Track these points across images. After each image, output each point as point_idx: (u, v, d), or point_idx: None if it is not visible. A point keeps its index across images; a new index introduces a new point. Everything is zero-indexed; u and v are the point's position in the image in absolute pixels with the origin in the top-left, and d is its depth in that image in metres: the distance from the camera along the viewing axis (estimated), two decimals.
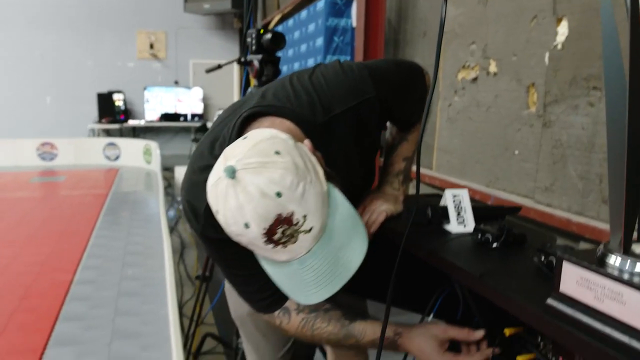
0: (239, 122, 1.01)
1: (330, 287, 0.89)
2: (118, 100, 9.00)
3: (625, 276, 0.63)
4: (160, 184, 6.25)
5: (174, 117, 9.33)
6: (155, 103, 9.28)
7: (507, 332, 0.97)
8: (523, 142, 3.00)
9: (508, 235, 1.01)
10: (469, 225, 1.12)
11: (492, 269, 0.88)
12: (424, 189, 3.79)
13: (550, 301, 0.72)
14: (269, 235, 0.83)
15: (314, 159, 0.91)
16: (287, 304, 1.13)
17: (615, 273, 0.64)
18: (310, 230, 0.85)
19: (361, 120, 1.11)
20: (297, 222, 0.83)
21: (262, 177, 0.81)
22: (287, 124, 1.01)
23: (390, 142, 1.36)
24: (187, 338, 2.61)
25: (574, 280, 0.69)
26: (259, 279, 1.07)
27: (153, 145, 7.86)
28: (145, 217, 5.33)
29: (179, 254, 4.14)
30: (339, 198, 0.91)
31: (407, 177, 1.33)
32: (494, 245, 1.01)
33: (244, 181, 0.81)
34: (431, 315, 1.18)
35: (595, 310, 0.66)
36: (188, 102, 9.42)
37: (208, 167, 0.94)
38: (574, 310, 0.68)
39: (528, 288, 0.81)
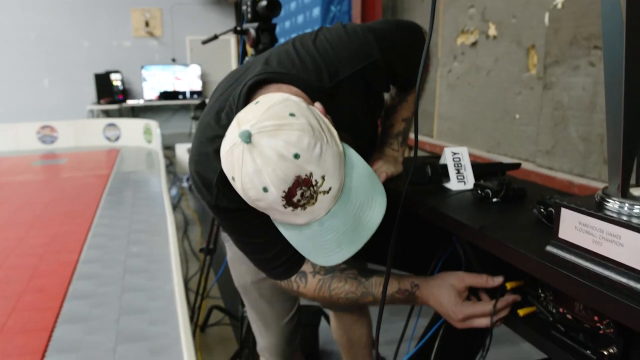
0: (245, 90, 0.99)
1: (351, 247, 0.89)
2: (116, 80, 8.93)
3: (624, 218, 0.63)
4: (161, 163, 6.25)
5: (173, 95, 9.27)
6: (153, 82, 9.22)
7: (509, 286, 0.97)
8: (523, 106, 2.97)
9: (508, 189, 1.01)
10: (469, 183, 1.12)
11: (492, 222, 0.88)
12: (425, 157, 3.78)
13: (549, 248, 0.72)
14: (288, 198, 0.82)
15: (327, 120, 0.91)
16: (303, 267, 1.13)
17: (614, 216, 0.64)
18: (329, 190, 0.85)
19: (367, 83, 1.10)
20: (316, 183, 0.83)
21: (278, 140, 0.80)
22: (294, 90, 1.00)
23: (389, 103, 1.35)
24: (193, 311, 2.64)
25: (573, 225, 0.68)
26: (275, 246, 1.08)
27: (153, 124, 7.83)
28: (148, 196, 5.35)
29: (183, 230, 4.17)
30: (354, 158, 0.91)
31: (406, 138, 1.32)
32: (494, 199, 1.01)
33: (260, 145, 0.80)
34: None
35: (594, 254, 0.66)
36: (186, 79, 9.34)
37: (217, 137, 0.93)
38: (573, 255, 0.68)
39: (528, 238, 0.81)
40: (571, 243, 0.69)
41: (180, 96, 9.35)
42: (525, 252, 0.75)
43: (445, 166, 1.14)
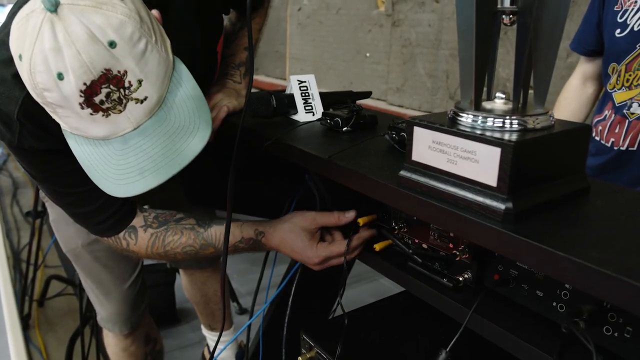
0: None
1: (156, 176, 0.74)
2: None
3: (478, 132, 0.56)
4: None
5: None
6: None
7: (361, 222, 0.91)
8: (374, 44, 2.98)
9: (358, 117, 0.92)
10: (318, 113, 1.02)
11: (342, 151, 0.79)
12: None
13: (402, 172, 0.65)
14: (89, 95, 0.66)
15: (161, 28, 0.76)
16: (133, 221, 0.97)
17: (468, 131, 0.57)
18: (144, 100, 0.70)
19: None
20: (129, 86, 0.68)
21: (95, 17, 0.64)
22: None
23: (229, 28, 1.20)
24: (26, 285, 2.30)
25: (427, 145, 0.61)
26: (99, 197, 0.90)
27: None
28: None
29: (12, 195, 3.62)
30: (185, 76, 0.77)
31: (249, 69, 1.18)
32: (344, 128, 0.92)
33: (68, 19, 0.63)
34: None
35: (449, 174, 0.59)
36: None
37: None
38: (428, 177, 0.62)
39: (380, 165, 0.73)
40: (425, 165, 0.62)
41: None
42: (378, 179, 0.66)
43: (291, 96, 1.02)
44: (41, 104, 0.73)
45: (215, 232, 0.96)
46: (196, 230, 0.96)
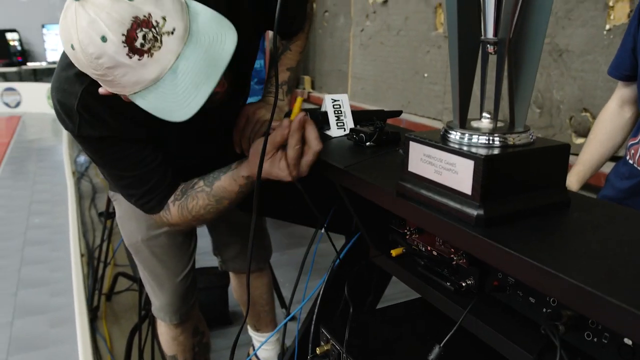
0: None
1: (208, 83, 0.87)
2: (12, 40, 8.13)
3: (462, 148, 0.64)
4: None
5: None
6: (57, 42, 8.55)
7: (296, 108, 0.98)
8: (432, 65, 3.03)
9: (381, 133, 1.01)
10: (349, 129, 1.11)
11: (359, 163, 0.88)
12: None
13: (400, 182, 0.73)
14: (130, 42, 0.81)
15: None
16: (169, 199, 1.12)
17: (452, 146, 0.65)
18: (173, 31, 0.84)
19: (233, 11, 1.06)
20: (157, 24, 0.82)
21: None
22: None
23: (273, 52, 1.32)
24: (96, 280, 2.53)
25: (419, 157, 0.69)
26: (150, 177, 1.06)
27: None
28: (52, 165, 5.02)
29: (91, 198, 3.96)
30: (199, 7, 0.89)
31: (292, 88, 1.30)
32: (368, 143, 1.01)
33: None
34: (322, 230, 1.17)
35: (435, 184, 0.67)
36: None
37: None
38: (419, 187, 0.69)
39: (390, 176, 0.81)
40: (418, 175, 0.70)
41: None
42: (380, 186, 0.75)
43: (325, 113, 1.13)
44: (101, 79, 0.86)
45: (218, 187, 1.07)
46: (205, 192, 1.08)
